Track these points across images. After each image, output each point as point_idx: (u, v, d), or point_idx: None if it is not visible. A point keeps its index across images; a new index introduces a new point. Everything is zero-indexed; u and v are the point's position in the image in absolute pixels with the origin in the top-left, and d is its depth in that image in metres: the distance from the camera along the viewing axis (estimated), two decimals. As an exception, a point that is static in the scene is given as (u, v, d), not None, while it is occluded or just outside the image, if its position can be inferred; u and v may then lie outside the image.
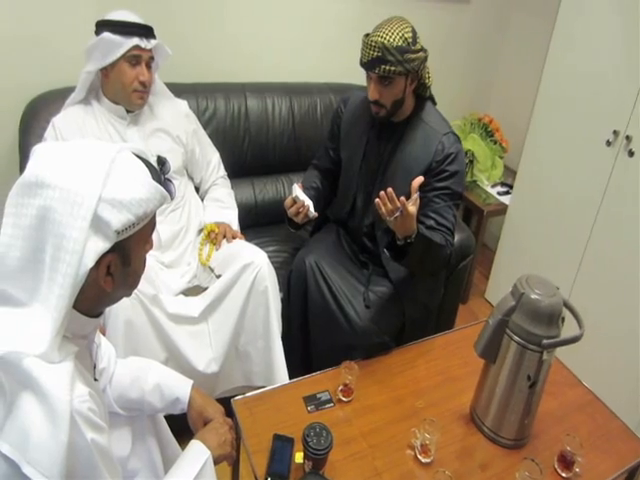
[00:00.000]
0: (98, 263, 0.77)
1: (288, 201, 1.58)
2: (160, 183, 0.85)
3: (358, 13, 2.41)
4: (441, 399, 1.44)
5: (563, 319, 1.22)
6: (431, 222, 1.55)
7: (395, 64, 1.43)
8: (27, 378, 0.72)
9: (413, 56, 1.45)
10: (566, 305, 1.23)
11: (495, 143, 2.78)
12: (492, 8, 2.78)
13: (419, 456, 1.26)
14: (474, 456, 1.31)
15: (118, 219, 0.76)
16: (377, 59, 1.43)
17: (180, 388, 1.17)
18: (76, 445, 0.74)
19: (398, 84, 1.49)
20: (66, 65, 1.76)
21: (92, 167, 0.77)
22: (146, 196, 0.79)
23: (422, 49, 1.49)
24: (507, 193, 2.70)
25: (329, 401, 1.40)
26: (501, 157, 2.81)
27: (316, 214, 1.57)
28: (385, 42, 1.42)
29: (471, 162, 2.72)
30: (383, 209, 1.31)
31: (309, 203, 1.57)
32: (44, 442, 0.70)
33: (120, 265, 0.83)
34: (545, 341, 1.18)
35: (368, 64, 1.46)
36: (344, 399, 1.40)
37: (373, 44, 1.43)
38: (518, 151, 2.46)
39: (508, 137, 2.81)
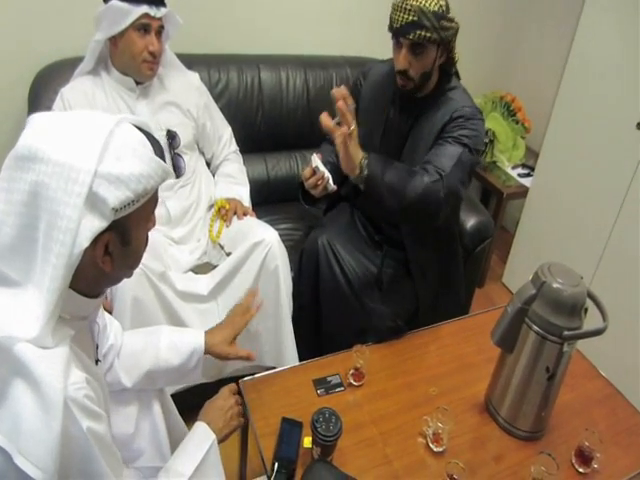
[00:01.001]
0: (95, 242, 0.73)
1: (307, 171, 1.50)
2: (162, 158, 0.80)
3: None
4: (455, 387, 1.40)
5: (586, 310, 1.16)
6: (426, 160, 1.45)
7: (431, 30, 1.35)
8: (19, 364, 0.69)
9: (448, 24, 1.38)
10: (590, 296, 1.17)
11: (517, 123, 2.68)
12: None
13: (431, 445, 1.23)
14: (488, 447, 1.27)
15: (115, 196, 0.71)
16: (412, 23, 1.34)
17: (194, 340, 1.17)
18: (71, 434, 0.71)
19: (429, 54, 1.41)
20: (77, 34, 1.71)
21: (88, 140, 0.71)
22: (146, 171, 0.74)
23: (454, 20, 1.41)
24: (528, 175, 2.61)
25: (339, 385, 1.37)
26: (523, 137, 2.72)
27: (335, 187, 1.49)
28: (422, 6, 1.33)
29: (491, 142, 2.63)
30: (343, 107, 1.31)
31: (328, 175, 1.49)
32: (36, 432, 0.68)
33: (119, 244, 0.78)
34: (566, 332, 1.12)
35: (401, 29, 1.36)
36: (355, 383, 1.37)
37: (408, 7, 1.34)
38: (541, 132, 2.37)
39: (531, 117, 2.70)
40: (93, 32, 1.58)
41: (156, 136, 1.70)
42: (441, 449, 1.22)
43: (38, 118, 0.75)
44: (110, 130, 0.73)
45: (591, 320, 1.16)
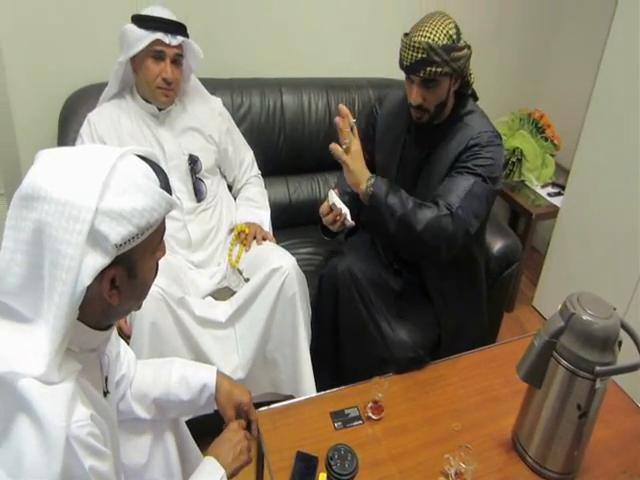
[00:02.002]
0: (101, 278, 0.72)
1: (324, 208, 1.48)
2: (168, 187, 0.79)
3: (400, 5, 2.30)
4: (480, 422, 1.33)
5: (620, 343, 1.09)
6: (435, 194, 1.42)
7: (442, 65, 1.32)
8: (22, 401, 0.69)
9: (459, 54, 1.34)
10: (624, 327, 1.10)
11: (546, 140, 2.60)
12: (546, -3, 2.60)
13: (453, 484, 1.17)
14: (515, 489, 1.20)
15: (117, 232, 0.70)
16: (422, 61, 1.32)
17: (206, 375, 1.14)
18: (72, 474, 0.70)
19: (443, 86, 1.38)
20: (105, 60, 1.76)
21: (90, 177, 0.71)
22: (149, 205, 0.73)
23: (466, 45, 1.38)
24: (559, 194, 2.52)
25: (357, 418, 1.32)
26: (552, 155, 2.63)
27: (353, 223, 1.46)
28: (430, 42, 1.30)
29: (519, 161, 2.56)
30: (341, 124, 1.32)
31: (346, 211, 1.46)
32: (37, 471, 0.67)
33: (126, 278, 0.77)
34: (598, 368, 1.05)
35: (411, 67, 1.34)
36: (374, 417, 1.32)
37: (417, 45, 1.31)
38: (572, 149, 2.29)
39: (561, 133, 2.62)
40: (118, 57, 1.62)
41: (178, 161, 1.72)
42: (464, 490, 1.16)
43: (44, 155, 0.75)
44: (112, 165, 0.72)
45: (626, 353, 1.09)
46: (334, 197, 1.47)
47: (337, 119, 1.34)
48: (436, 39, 1.31)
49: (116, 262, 0.73)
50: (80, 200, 0.69)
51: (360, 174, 1.37)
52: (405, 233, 1.37)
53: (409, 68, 1.36)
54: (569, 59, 2.70)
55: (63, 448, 0.67)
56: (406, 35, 1.36)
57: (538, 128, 2.62)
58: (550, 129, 2.62)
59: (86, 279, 0.70)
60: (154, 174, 0.78)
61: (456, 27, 1.37)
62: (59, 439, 0.67)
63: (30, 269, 0.72)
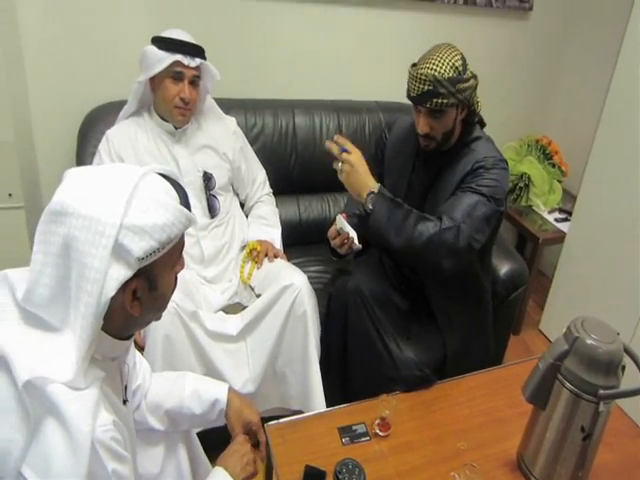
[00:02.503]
0: (123, 289, 0.77)
1: (332, 231, 1.54)
2: (187, 204, 0.84)
3: (410, 31, 2.37)
4: (485, 441, 1.35)
5: (623, 367, 1.11)
6: (438, 212, 1.45)
7: (447, 96, 1.37)
8: (51, 405, 0.72)
9: (465, 85, 1.38)
10: (627, 352, 1.12)
11: (553, 166, 2.64)
12: (554, 25, 2.66)
13: (458, 503, 1.18)
14: (519, 508, 1.21)
15: (139, 246, 0.75)
16: (428, 93, 1.37)
17: (218, 390, 1.17)
18: (96, 476, 0.73)
19: (449, 116, 1.43)
20: (123, 79, 1.82)
21: (114, 194, 0.76)
22: (170, 220, 0.78)
23: (473, 76, 1.43)
24: (566, 220, 2.56)
25: (365, 434, 1.34)
26: (560, 181, 2.67)
27: (360, 246, 1.51)
28: (436, 74, 1.35)
29: (526, 186, 2.60)
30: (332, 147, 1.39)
31: (354, 235, 1.50)
32: (64, 472, 0.70)
33: (147, 290, 0.81)
34: (602, 391, 1.07)
35: (418, 98, 1.39)
36: (381, 433, 1.34)
37: (423, 77, 1.36)
38: (579, 176, 2.32)
39: (568, 160, 2.66)
40: (137, 76, 1.68)
41: (193, 177, 1.77)
42: (469, 509, 1.17)
43: (71, 174, 0.80)
44: (135, 183, 0.77)
45: (630, 378, 1.11)
46: (342, 221, 1.52)
47: (327, 142, 1.41)
48: (442, 71, 1.35)
49: (138, 275, 0.77)
50: (105, 216, 0.73)
51: (361, 186, 1.42)
52: (407, 246, 1.39)
53: (416, 99, 1.41)
54: (577, 87, 2.75)
55: (89, 451, 0.70)
56: (413, 66, 1.41)
57: (546, 154, 2.66)
58: (558, 156, 2.66)
59: (110, 290, 0.74)
60: (174, 191, 0.83)
61: (462, 58, 1.41)
62: (85, 442, 0.70)
63: (59, 281, 0.76)
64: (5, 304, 0.79)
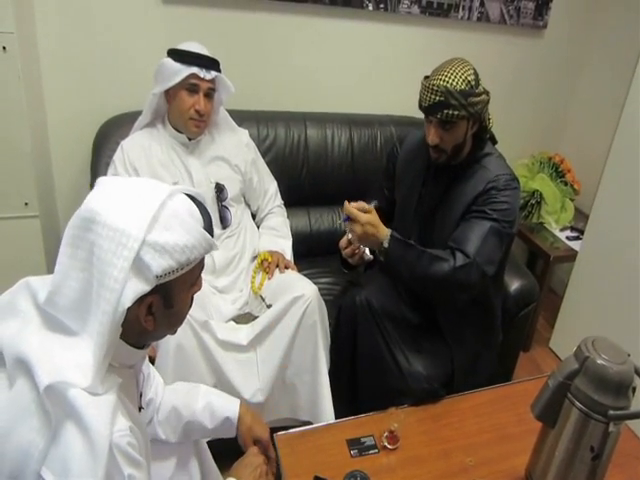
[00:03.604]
0: (139, 303, 0.78)
1: (343, 241, 1.55)
2: (210, 229, 0.85)
3: (424, 46, 2.39)
4: (493, 458, 1.34)
5: (634, 389, 1.11)
6: (451, 239, 1.47)
7: (458, 108, 1.38)
8: (71, 409, 0.73)
9: (476, 99, 1.40)
10: (638, 373, 1.12)
11: (566, 184, 2.64)
12: (568, 43, 2.67)
13: (465, 519, 1.18)
14: (527, 527, 1.20)
15: (159, 264, 0.76)
16: (439, 103, 1.39)
17: (230, 407, 1.17)
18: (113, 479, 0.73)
19: (460, 128, 1.45)
20: (137, 90, 1.86)
21: (142, 209, 0.77)
22: (191, 243, 0.79)
23: (485, 92, 1.44)
24: (577, 238, 2.54)
25: (373, 447, 1.34)
26: (572, 199, 2.67)
27: (371, 257, 1.52)
28: (448, 86, 1.37)
29: (538, 203, 2.59)
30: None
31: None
32: (82, 474, 0.71)
33: (162, 307, 0.83)
34: (612, 412, 1.07)
35: (429, 108, 1.42)
36: (389, 446, 1.34)
37: (435, 88, 1.38)
38: (592, 194, 2.32)
39: (581, 178, 2.66)
40: (152, 88, 1.71)
41: (205, 188, 1.79)
42: (476, 525, 1.17)
43: (104, 182, 0.82)
44: (162, 201, 0.79)
45: (640, 398, 1.11)
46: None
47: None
48: (454, 84, 1.38)
49: (155, 291, 0.79)
50: (130, 229, 0.75)
51: (375, 241, 1.43)
52: (422, 286, 1.48)
53: (427, 109, 1.43)
54: (591, 105, 2.75)
55: (107, 455, 0.71)
56: (426, 78, 1.44)
57: (558, 172, 2.66)
58: (570, 174, 2.66)
59: (127, 301, 0.75)
60: (199, 214, 0.84)
61: (475, 73, 1.43)
62: (103, 446, 0.71)
63: (83, 285, 0.77)
64: (27, 310, 0.81)
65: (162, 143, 1.76)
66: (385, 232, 1.43)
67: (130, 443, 0.77)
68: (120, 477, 0.74)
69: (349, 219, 1.44)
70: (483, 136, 1.56)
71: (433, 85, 1.39)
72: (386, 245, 1.42)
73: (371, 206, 1.47)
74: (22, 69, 1.74)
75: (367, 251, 1.51)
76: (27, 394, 0.75)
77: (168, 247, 0.77)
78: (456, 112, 1.39)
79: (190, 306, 0.91)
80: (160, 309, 0.82)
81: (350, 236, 1.47)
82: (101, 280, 0.75)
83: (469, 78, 1.40)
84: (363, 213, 1.43)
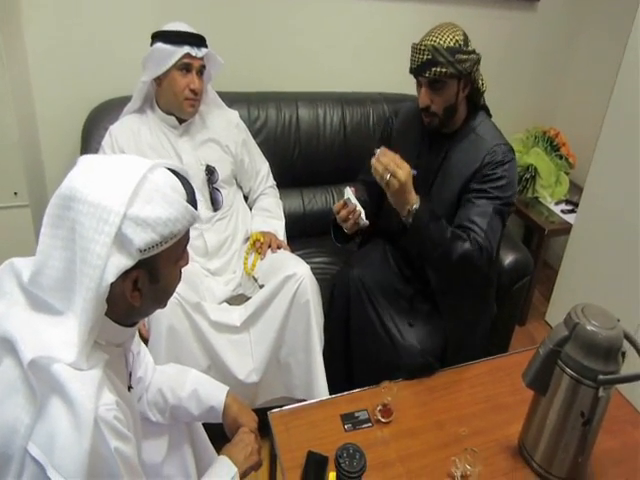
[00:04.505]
0: (124, 278, 0.78)
1: (338, 205, 1.50)
2: (194, 202, 0.85)
3: (415, 22, 2.34)
4: (487, 428, 1.35)
5: (624, 354, 1.11)
6: (459, 221, 1.47)
7: (446, 65, 1.38)
8: (55, 383, 0.74)
9: (465, 57, 1.40)
10: (627, 338, 1.12)
11: (561, 158, 2.63)
12: (561, 16, 2.64)
13: (459, 487, 1.19)
14: (520, 493, 1.22)
15: (141, 238, 0.76)
16: (427, 62, 1.39)
17: (215, 396, 1.17)
18: (99, 453, 0.74)
19: (450, 88, 1.44)
20: (125, 76, 1.84)
21: (122, 184, 0.77)
22: (174, 216, 0.79)
23: (474, 51, 1.44)
24: (572, 212, 2.54)
25: (367, 421, 1.35)
26: (567, 173, 2.66)
27: (367, 222, 1.48)
28: (435, 44, 1.38)
29: (533, 177, 2.59)
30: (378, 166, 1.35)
31: (361, 209, 1.47)
32: (68, 447, 0.71)
33: (148, 282, 0.82)
34: (601, 377, 1.07)
35: (418, 69, 1.41)
36: (383, 420, 1.35)
37: (423, 47, 1.39)
38: (586, 167, 2.31)
39: (576, 151, 2.65)
40: (140, 73, 1.70)
41: (195, 171, 1.78)
42: (470, 493, 1.18)
43: (84, 160, 0.82)
44: (143, 175, 0.78)
45: (632, 365, 1.11)
46: (349, 193, 1.48)
47: (373, 160, 1.38)
48: (441, 42, 1.38)
49: (139, 266, 0.78)
50: (111, 204, 0.75)
51: (405, 202, 1.40)
52: (441, 260, 1.45)
53: (415, 70, 1.43)
54: (585, 78, 2.73)
55: (92, 428, 0.72)
56: (416, 43, 1.43)
57: (553, 146, 2.64)
58: (565, 147, 2.64)
59: (110, 277, 0.75)
60: (182, 187, 0.84)
61: (464, 35, 1.43)
62: (88, 419, 0.72)
63: (66, 264, 0.77)
64: (12, 291, 0.81)
65: (151, 127, 1.74)
66: (416, 198, 1.42)
67: (116, 417, 0.77)
68: (107, 450, 0.75)
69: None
70: (476, 100, 1.54)
71: (421, 45, 1.39)
72: (416, 206, 1.40)
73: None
74: (7, 56, 1.72)
75: (362, 215, 1.47)
76: (12, 371, 0.75)
77: (150, 221, 0.76)
78: (444, 69, 1.38)
79: (179, 281, 0.90)
80: (146, 284, 0.82)
81: (387, 184, 1.37)
82: (83, 257, 0.75)
83: (457, 38, 1.40)
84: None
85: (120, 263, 0.76)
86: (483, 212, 1.45)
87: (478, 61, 1.45)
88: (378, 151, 1.40)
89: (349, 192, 1.49)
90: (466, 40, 1.42)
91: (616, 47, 2.18)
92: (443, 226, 1.43)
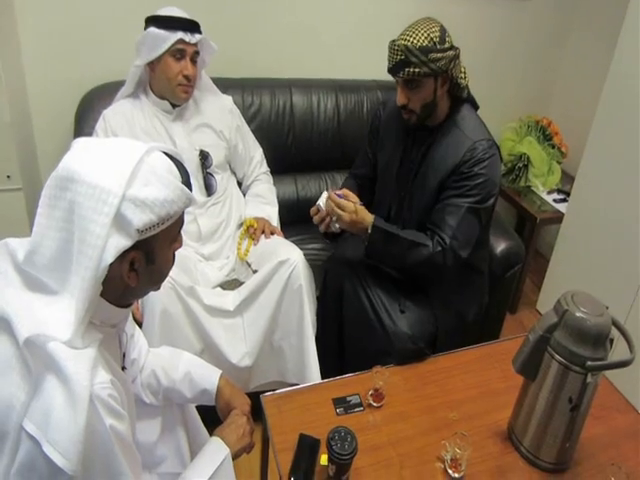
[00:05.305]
0: (121, 259, 0.79)
1: (313, 209, 1.56)
2: (189, 184, 0.86)
3: (410, 10, 2.32)
4: (476, 413, 1.37)
5: (612, 341, 1.13)
6: (432, 218, 1.50)
7: (419, 65, 1.38)
8: (50, 361, 0.74)
9: (439, 55, 1.38)
10: (616, 325, 1.14)
11: (553, 147, 2.64)
12: (554, 5, 2.63)
13: (449, 470, 1.21)
14: (508, 477, 1.23)
15: (140, 218, 0.77)
16: (400, 62, 1.39)
17: (208, 379, 1.18)
18: (94, 429, 0.75)
19: (426, 86, 1.43)
20: (119, 60, 1.83)
21: (120, 166, 0.78)
22: (170, 197, 0.80)
23: (451, 47, 1.42)
24: (564, 201, 2.56)
25: (359, 405, 1.37)
26: (559, 162, 2.67)
27: (339, 229, 1.53)
28: (408, 44, 1.37)
29: (525, 166, 2.60)
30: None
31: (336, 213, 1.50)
32: (64, 424, 0.72)
33: (144, 262, 0.84)
34: (589, 363, 1.09)
35: (392, 69, 1.42)
36: (374, 404, 1.36)
37: (396, 47, 1.39)
38: (579, 157, 2.32)
39: (568, 141, 2.66)
40: (133, 58, 1.68)
41: (189, 155, 1.77)
42: (459, 475, 1.20)
43: (79, 143, 0.82)
44: (140, 157, 0.79)
45: (620, 353, 1.13)
46: (321, 199, 1.53)
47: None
48: (414, 41, 1.37)
49: (136, 246, 0.79)
50: (109, 185, 0.76)
51: (360, 230, 1.48)
52: (402, 268, 1.57)
53: (391, 70, 1.43)
54: (578, 68, 2.73)
55: (87, 405, 0.73)
56: (392, 41, 1.43)
57: (545, 135, 2.65)
58: (557, 137, 2.65)
59: (109, 257, 0.76)
60: (177, 170, 0.85)
61: (441, 30, 1.41)
62: (84, 396, 0.73)
63: (61, 244, 0.78)
64: (7, 271, 0.81)
65: (145, 111, 1.73)
66: (369, 219, 1.47)
67: (111, 395, 0.78)
68: (102, 427, 0.76)
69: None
70: (459, 95, 1.54)
71: (395, 45, 1.39)
72: (369, 231, 1.45)
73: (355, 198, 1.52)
74: (-1, 39, 1.70)
75: (335, 220, 1.52)
76: (8, 349, 0.76)
77: (148, 202, 0.77)
78: (417, 69, 1.38)
79: (172, 264, 0.92)
80: (142, 265, 0.83)
81: (335, 221, 1.51)
82: (82, 237, 0.76)
83: (432, 35, 1.39)
84: (347, 202, 1.47)
85: (119, 244, 0.77)
86: (455, 211, 1.47)
87: (456, 56, 1.44)
88: (324, 194, 1.52)
89: (322, 198, 1.54)
90: (442, 36, 1.41)
91: (609, 37, 2.19)
92: (399, 242, 1.47)
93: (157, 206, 0.78)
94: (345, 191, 1.52)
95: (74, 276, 0.77)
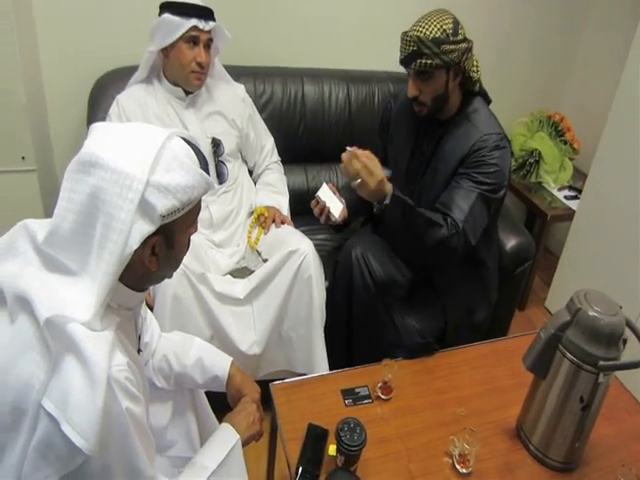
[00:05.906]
0: (144, 244, 0.79)
1: (313, 202, 1.55)
2: (207, 170, 0.87)
3: (422, 1, 2.31)
4: (485, 409, 1.37)
5: (625, 341, 1.12)
6: (442, 201, 1.47)
7: (431, 57, 1.36)
8: (70, 342, 0.75)
9: (451, 47, 1.37)
10: (629, 326, 1.13)
11: (565, 143, 2.61)
12: (570, -2, 2.59)
13: (457, 465, 1.21)
14: (517, 474, 1.24)
15: (163, 204, 0.78)
16: (413, 53, 1.37)
17: (220, 365, 1.18)
18: (111, 411, 0.76)
19: (438, 78, 1.42)
20: (133, 44, 1.81)
21: (143, 151, 0.78)
22: (191, 183, 0.81)
23: (464, 39, 1.41)
24: (575, 198, 2.54)
25: (367, 397, 1.37)
26: (571, 159, 2.64)
27: (338, 219, 1.51)
28: (420, 35, 1.35)
29: (537, 162, 2.57)
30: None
31: (331, 206, 1.50)
32: (82, 404, 0.73)
33: (164, 247, 0.85)
34: (602, 363, 1.08)
35: (404, 60, 1.41)
36: (383, 397, 1.37)
37: (408, 38, 1.37)
38: (591, 153, 2.29)
39: (581, 137, 2.63)
40: (147, 43, 1.67)
41: (201, 143, 1.77)
42: (467, 471, 1.20)
43: (99, 128, 0.82)
44: (162, 143, 0.80)
45: (633, 352, 1.12)
46: (321, 190, 1.52)
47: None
48: (427, 33, 1.36)
49: (158, 232, 0.80)
50: (133, 171, 0.76)
51: (378, 196, 1.38)
52: (416, 246, 1.47)
53: (403, 61, 1.42)
54: (593, 63, 2.70)
55: (105, 386, 0.73)
56: (405, 33, 1.41)
57: (558, 131, 2.62)
58: (570, 133, 2.62)
59: (134, 243, 0.77)
60: (195, 156, 0.85)
61: (454, 22, 1.40)
62: (102, 378, 0.73)
63: (79, 227, 0.78)
64: (26, 251, 0.82)
65: (158, 97, 1.73)
66: (389, 187, 1.41)
67: (128, 378, 0.79)
68: (118, 409, 0.76)
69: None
70: (470, 88, 1.52)
71: (407, 36, 1.38)
72: (387, 201, 1.40)
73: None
74: (16, 21, 1.69)
75: (333, 211, 1.49)
76: (28, 329, 0.77)
77: (171, 188, 0.78)
78: (429, 61, 1.37)
79: (187, 248, 0.93)
80: (163, 250, 0.85)
81: (356, 185, 1.37)
82: (107, 222, 0.76)
83: (445, 27, 1.37)
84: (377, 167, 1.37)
85: (143, 229, 0.78)
86: (466, 195, 1.44)
87: (469, 49, 1.42)
88: (349, 149, 1.39)
89: (323, 189, 1.52)
90: (455, 28, 1.39)
91: (625, 30, 2.16)
92: (416, 215, 1.41)
93: (179, 192, 0.79)
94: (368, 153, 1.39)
95: (97, 259, 0.78)
